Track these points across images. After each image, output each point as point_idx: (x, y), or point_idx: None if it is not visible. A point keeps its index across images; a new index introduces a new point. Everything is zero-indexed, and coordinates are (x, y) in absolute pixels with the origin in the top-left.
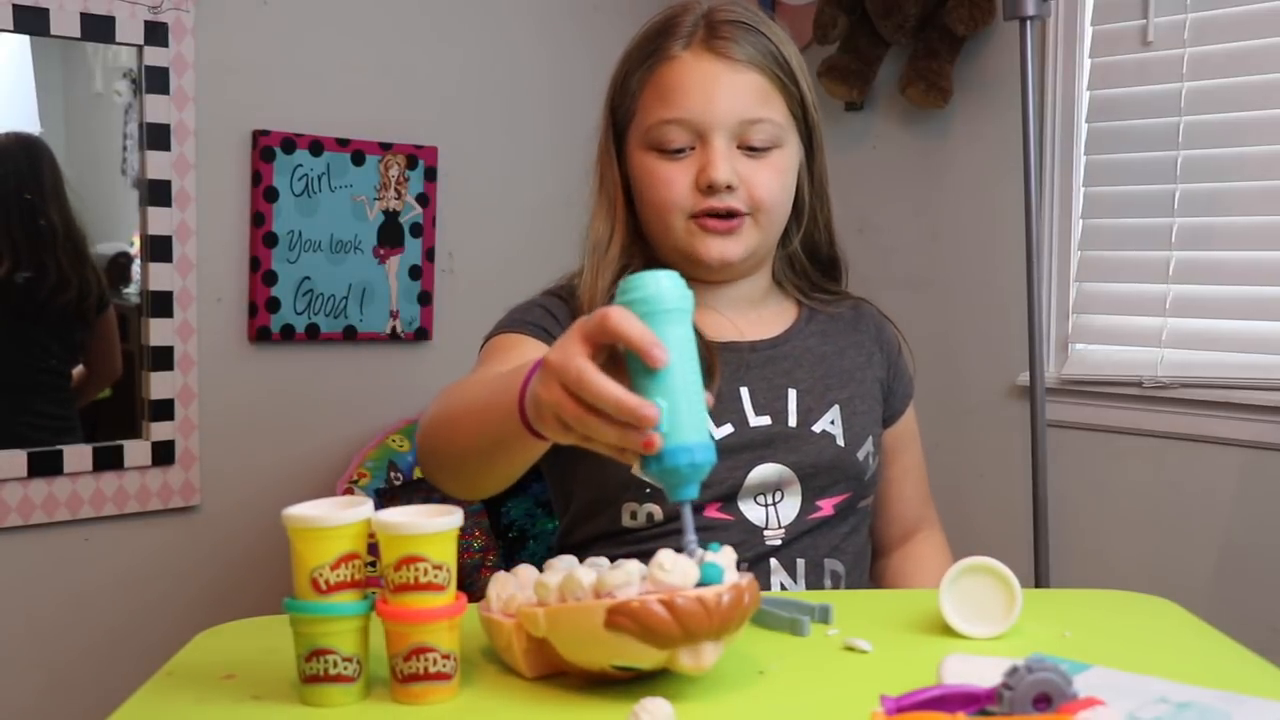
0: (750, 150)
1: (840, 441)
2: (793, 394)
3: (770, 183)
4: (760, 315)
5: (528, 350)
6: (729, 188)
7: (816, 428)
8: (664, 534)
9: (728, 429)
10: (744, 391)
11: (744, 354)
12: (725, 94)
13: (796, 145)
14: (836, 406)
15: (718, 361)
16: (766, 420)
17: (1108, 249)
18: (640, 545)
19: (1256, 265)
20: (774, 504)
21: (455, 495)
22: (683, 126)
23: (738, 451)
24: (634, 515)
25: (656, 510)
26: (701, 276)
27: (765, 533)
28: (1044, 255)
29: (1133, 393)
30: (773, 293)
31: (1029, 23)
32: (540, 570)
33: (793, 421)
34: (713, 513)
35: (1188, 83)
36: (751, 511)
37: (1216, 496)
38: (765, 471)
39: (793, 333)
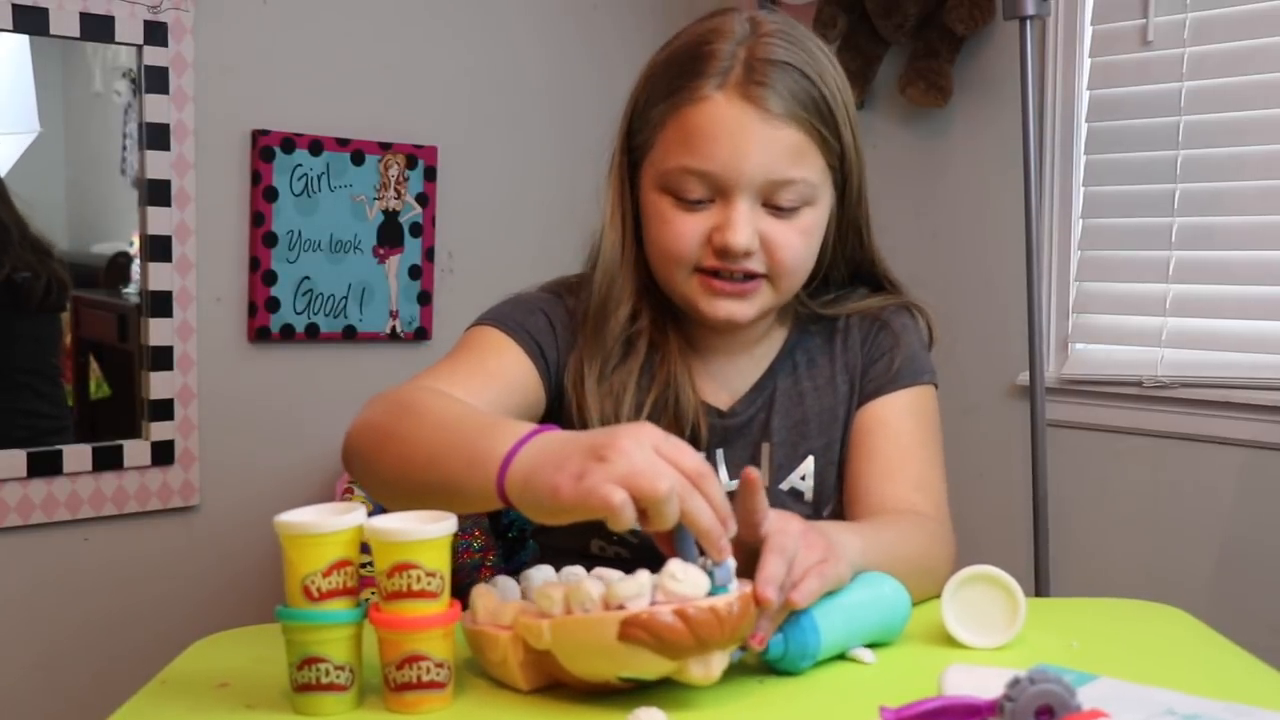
0: (776, 210)
1: (808, 497)
2: (766, 449)
3: (794, 245)
4: (751, 356)
5: (507, 359)
6: (747, 253)
7: (785, 485)
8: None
9: None
10: (720, 454)
11: (724, 419)
12: (756, 150)
13: (829, 196)
14: (810, 458)
15: (703, 423)
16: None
17: (1107, 248)
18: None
19: (1256, 265)
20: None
21: (377, 500)
22: (704, 179)
23: None
24: (601, 550)
25: (624, 552)
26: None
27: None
28: (1044, 254)
29: (1132, 392)
30: (772, 324)
31: (1029, 22)
32: (516, 580)
33: (765, 481)
34: None
35: (1187, 82)
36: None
37: (1216, 496)
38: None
39: (771, 372)
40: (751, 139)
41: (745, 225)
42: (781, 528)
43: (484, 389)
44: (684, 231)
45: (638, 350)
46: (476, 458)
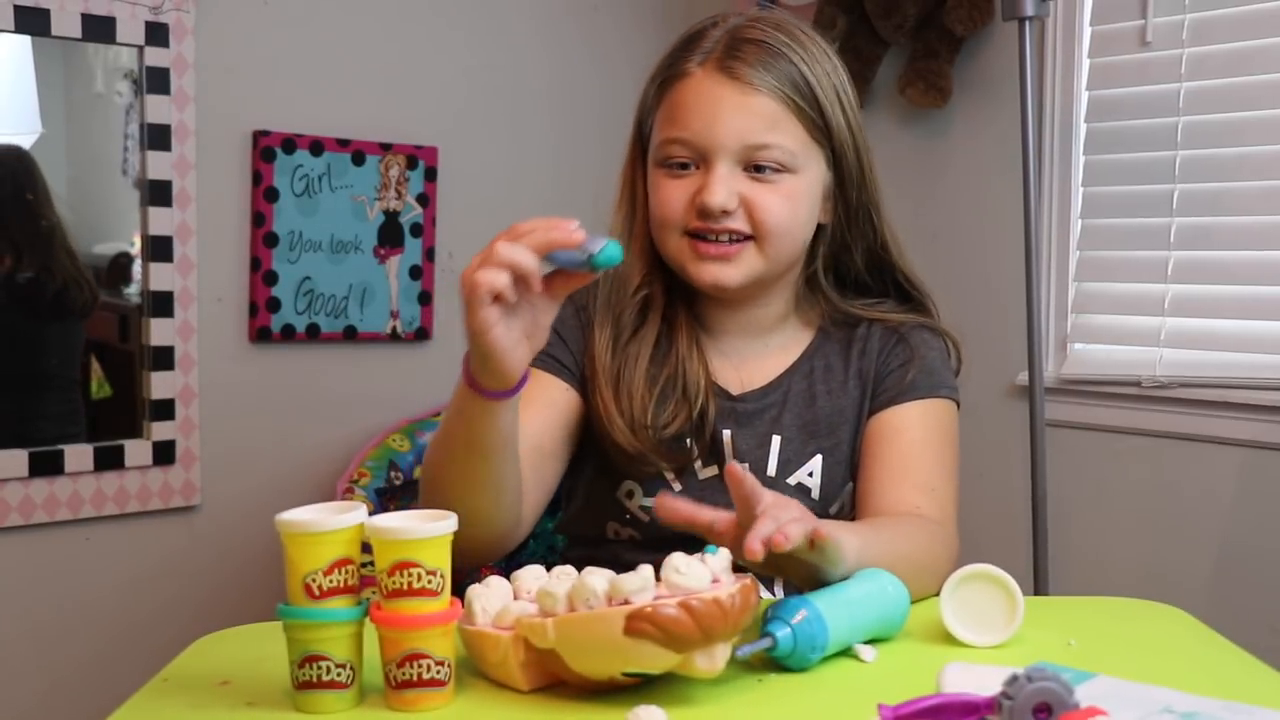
0: (758, 173)
1: (815, 495)
2: (776, 441)
3: (776, 208)
4: (767, 345)
5: (540, 387)
6: (725, 212)
7: (792, 480)
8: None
9: (713, 469)
10: (726, 434)
11: (734, 402)
12: (729, 117)
13: (819, 171)
14: (819, 456)
15: (711, 402)
16: (745, 467)
17: (1106, 249)
18: (626, 552)
19: (1255, 265)
20: None
21: (471, 549)
22: (686, 146)
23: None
24: (616, 534)
25: (635, 534)
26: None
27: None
28: (1043, 255)
29: (1131, 392)
30: (789, 319)
31: (1028, 23)
32: (509, 580)
33: (772, 471)
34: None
35: (1186, 83)
36: None
37: (1215, 496)
38: None
39: (789, 373)
40: (724, 106)
41: (722, 186)
42: (780, 501)
43: (534, 417)
44: (671, 197)
45: (651, 322)
46: (458, 397)
